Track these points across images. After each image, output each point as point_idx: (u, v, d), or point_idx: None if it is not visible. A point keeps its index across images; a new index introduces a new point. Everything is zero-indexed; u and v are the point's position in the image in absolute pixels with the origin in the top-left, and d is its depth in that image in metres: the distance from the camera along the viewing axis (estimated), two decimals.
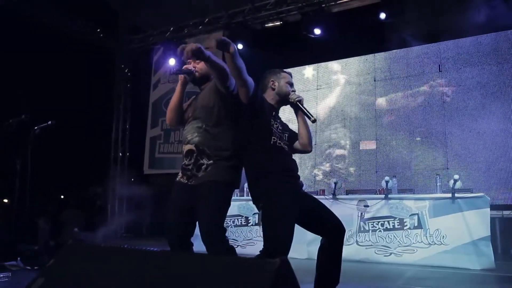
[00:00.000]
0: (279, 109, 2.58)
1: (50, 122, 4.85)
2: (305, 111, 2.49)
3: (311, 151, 2.58)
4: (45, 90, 9.29)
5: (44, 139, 5.12)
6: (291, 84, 2.59)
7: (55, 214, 8.55)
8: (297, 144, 2.55)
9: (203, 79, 2.52)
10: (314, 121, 2.45)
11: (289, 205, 2.27)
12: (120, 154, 9.72)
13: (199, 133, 2.37)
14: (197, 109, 2.45)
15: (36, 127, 4.82)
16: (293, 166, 2.47)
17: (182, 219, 2.34)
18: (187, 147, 2.39)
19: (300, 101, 2.50)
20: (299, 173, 2.52)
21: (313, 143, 2.74)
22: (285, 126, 2.55)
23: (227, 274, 1.06)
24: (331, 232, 2.46)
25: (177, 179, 2.44)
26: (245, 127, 2.39)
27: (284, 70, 2.64)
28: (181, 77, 2.50)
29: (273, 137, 2.37)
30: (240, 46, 8.11)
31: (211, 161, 2.31)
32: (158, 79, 9.65)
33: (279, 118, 2.53)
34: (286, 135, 2.49)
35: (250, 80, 2.28)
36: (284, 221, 2.22)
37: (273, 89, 2.54)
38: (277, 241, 2.20)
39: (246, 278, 1.03)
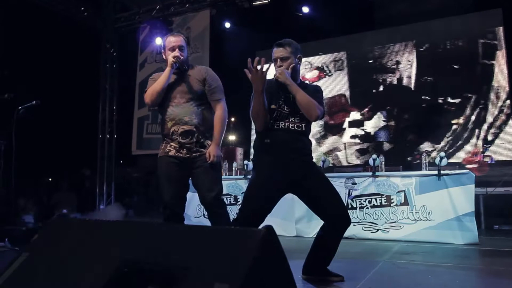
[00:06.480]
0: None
1: (34, 102, 4.73)
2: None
3: (315, 118, 2.44)
4: (29, 69, 9.09)
5: (29, 120, 5.02)
6: (275, 60, 2.50)
7: (43, 196, 8.49)
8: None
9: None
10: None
11: (257, 187, 2.42)
12: (108, 135, 9.61)
13: (197, 115, 2.67)
14: (189, 93, 2.69)
15: (20, 107, 4.71)
16: (290, 140, 2.44)
17: (179, 191, 2.66)
18: (185, 127, 2.64)
19: (278, 78, 2.41)
20: None
21: None
22: (294, 106, 2.45)
23: (213, 243, 1.07)
24: (332, 222, 2.45)
25: (171, 153, 2.66)
26: None
27: (275, 44, 2.54)
28: (172, 64, 2.67)
29: (270, 121, 2.45)
30: (227, 25, 7.99)
31: (209, 141, 2.69)
32: (145, 58, 9.48)
33: (289, 98, 2.45)
34: (299, 115, 2.45)
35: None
36: (249, 200, 2.43)
37: None
38: (241, 216, 2.40)
39: (231, 246, 1.03)
